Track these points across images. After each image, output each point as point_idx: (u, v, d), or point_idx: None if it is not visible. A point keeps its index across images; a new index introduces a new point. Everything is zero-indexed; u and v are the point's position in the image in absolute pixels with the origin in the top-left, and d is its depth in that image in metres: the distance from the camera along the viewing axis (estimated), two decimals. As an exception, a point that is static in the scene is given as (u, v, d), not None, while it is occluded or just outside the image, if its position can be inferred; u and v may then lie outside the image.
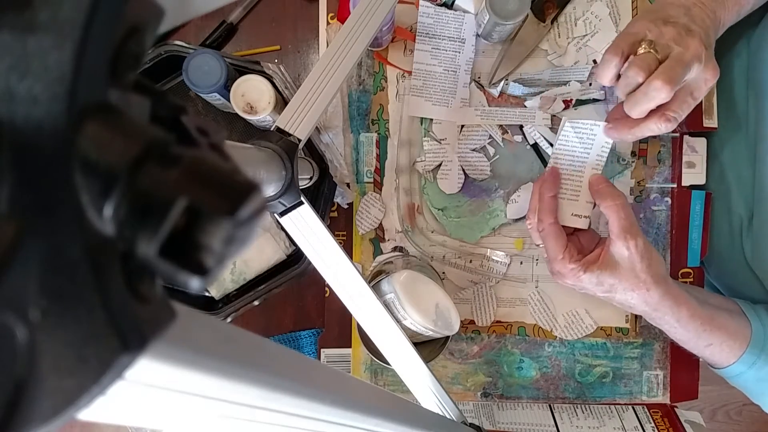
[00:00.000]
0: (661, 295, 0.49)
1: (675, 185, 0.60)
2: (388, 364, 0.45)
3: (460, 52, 0.59)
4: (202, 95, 0.54)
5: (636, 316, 0.61)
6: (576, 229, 0.55)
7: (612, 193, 0.50)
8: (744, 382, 0.54)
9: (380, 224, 0.61)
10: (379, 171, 0.60)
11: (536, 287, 0.61)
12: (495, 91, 0.59)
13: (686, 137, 0.60)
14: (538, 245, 0.55)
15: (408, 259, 0.59)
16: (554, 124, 0.59)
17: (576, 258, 0.51)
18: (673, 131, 0.60)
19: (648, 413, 0.61)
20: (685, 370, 0.61)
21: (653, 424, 0.59)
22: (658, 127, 0.48)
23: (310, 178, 0.54)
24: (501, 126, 0.60)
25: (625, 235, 0.48)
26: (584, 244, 0.54)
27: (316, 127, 0.57)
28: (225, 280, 0.58)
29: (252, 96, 0.51)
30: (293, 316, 0.62)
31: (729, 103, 0.60)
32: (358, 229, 0.61)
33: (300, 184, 0.38)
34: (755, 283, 0.58)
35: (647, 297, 0.49)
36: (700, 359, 0.61)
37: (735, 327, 0.52)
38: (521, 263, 0.61)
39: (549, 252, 0.52)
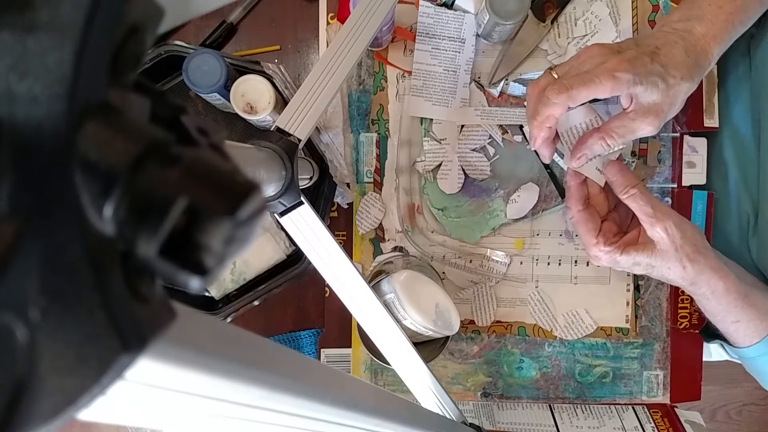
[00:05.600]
0: (699, 270, 0.49)
1: (675, 185, 0.60)
2: (388, 364, 0.45)
3: (460, 52, 0.59)
4: (202, 95, 0.54)
5: (636, 316, 0.61)
6: (613, 207, 0.54)
7: (625, 182, 0.49)
8: (761, 365, 0.54)
9: (380, 224, 0.61)
10: (379, 171, 0.60)
11: (536, 287, 0.61)
12: (495, 91, 0.59)
13: (686, 137, 0.60)
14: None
15: (408, 259, 0.59)
16: (554, 124, 0.59)
17: (612, 240, 0.51)
18: (673, 131, 0.60)
19: (648, 413, 0.61)
20: (686, 370, 0.61)
21: (653, 424, 0.59)
22: (601, 147, 0.48)
23: (310, 178, 0.54)
24: (501, 126, 0.60)
25: (652, 221, 0.48)
26: (621, 219, 0.54)
27: (316, 127, 0.57)
28: (225, 280, 0.58)
29: (252, 96, 0.51)
30: (293, 316, 0.62)
31: (731, 101, 0.60)
32: (358, 229, 0.61)
33: (300, 184, 0.38)
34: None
35: (684, 273, 0.49)
36: (702, 361, 0.61)
37: (767, 307, 0.52)
38: (521, 263, 0.61)
39: (582, 239, 0.52)
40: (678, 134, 0.60)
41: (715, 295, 0.50)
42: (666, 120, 0.47)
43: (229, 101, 0.51)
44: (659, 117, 0.46)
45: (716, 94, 0.59)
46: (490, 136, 0.60)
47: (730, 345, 0.56)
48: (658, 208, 0.49)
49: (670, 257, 0.49)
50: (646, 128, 0.47)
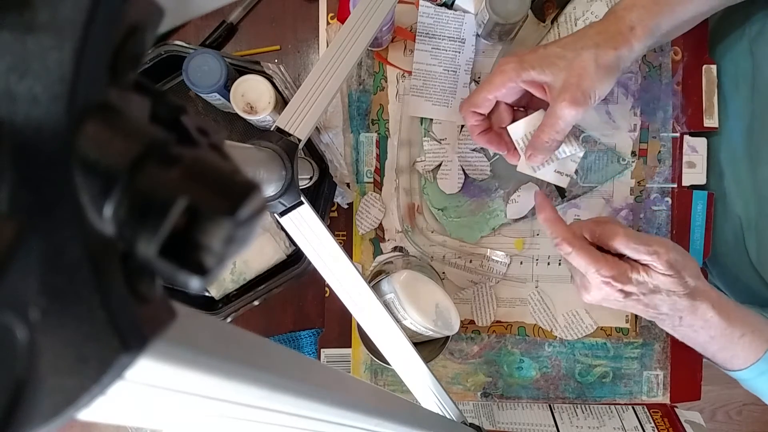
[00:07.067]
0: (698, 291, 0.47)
1: (675, 185, 0.60)
2: (388, 364, 0.45)
3: (460, 52, 0.59)
4: (202, 95, 0.54)
5: (636, 316, 0.61)
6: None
7: (555, 234, 0.47)
8: (761, 386, 0.50)
9: (380, 224, 0.61)
10: (379, 171, 0.60)
11: (536, 287, 0.61)
12: (495, 91, 0.59)
13: (686, 137, 0.60)
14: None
15: (408, 259, 0.59)
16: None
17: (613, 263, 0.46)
18: (673, 131, 0.60)
19: (648, 413, 0.61)
20: (686, 370, 0.61)
21: (653, 424, 0.59)
22: (544, 143, 0.48)
23: (310, 178, 0.54)
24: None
25: (623, 279, 0.45)
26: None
27: (316, 127, 0.57)
28: (225, 280, 0.58)
29: (252, 96, 0.51)
30: (293, 316, 0.62)
31: (729, 102, 0.60)
32: (358, 229, 0.60)
33: (300, 184, 0.38)
34: (760, 284, 0.58)
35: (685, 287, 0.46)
36: (702, 361, 0.61)
37: (758, 321, 0.49)
38: (521, 263, 0.61)
39: (585, 270, 0.46)
40: (678, 134, 0.60)
41: (718, 306, 0.47)
42: (591, 96, 0.45)
43: (229, 101, 0.51)
44: (571, 92, 0.45)
45: (716, 94, 0.59)
46: (490, 136, 0.60)
47: (725, 370, 0.52)
48: (622, 273, 0.45)
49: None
50: (566, 107, 0.45)
